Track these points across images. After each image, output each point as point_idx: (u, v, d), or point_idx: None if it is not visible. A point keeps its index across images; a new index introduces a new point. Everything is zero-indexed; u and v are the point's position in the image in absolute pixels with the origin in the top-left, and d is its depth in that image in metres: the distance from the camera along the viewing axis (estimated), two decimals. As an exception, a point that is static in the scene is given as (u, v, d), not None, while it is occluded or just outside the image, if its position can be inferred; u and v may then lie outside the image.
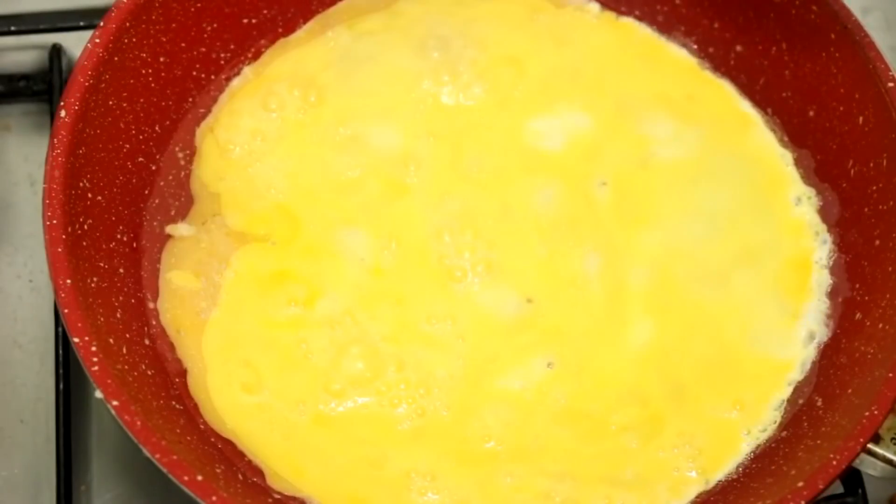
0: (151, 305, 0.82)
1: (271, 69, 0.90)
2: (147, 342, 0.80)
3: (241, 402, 0.79)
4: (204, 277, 0.82)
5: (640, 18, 0.94)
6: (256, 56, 0.91)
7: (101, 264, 0.78)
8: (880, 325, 0.79)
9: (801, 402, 0.81)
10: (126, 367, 0.74)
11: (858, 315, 0.82)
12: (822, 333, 0.83)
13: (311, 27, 0.92)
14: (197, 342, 0.81)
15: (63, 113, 0.77)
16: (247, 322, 0.81)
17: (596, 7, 0.94)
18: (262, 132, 0.88)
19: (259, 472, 0.78)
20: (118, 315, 0.78)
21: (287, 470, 0.78)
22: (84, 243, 0.76)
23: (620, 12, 0.94)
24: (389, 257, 0.84)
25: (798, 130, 0.89)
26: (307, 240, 0.84)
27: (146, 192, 0.85)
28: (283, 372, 0.80)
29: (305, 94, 0.89)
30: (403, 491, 0.77)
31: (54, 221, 0.74)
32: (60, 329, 0.87)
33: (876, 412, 0.73)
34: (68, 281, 0.72)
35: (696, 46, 0.93)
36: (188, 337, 0.81)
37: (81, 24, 0.96)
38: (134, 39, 0.82)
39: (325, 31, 0.92)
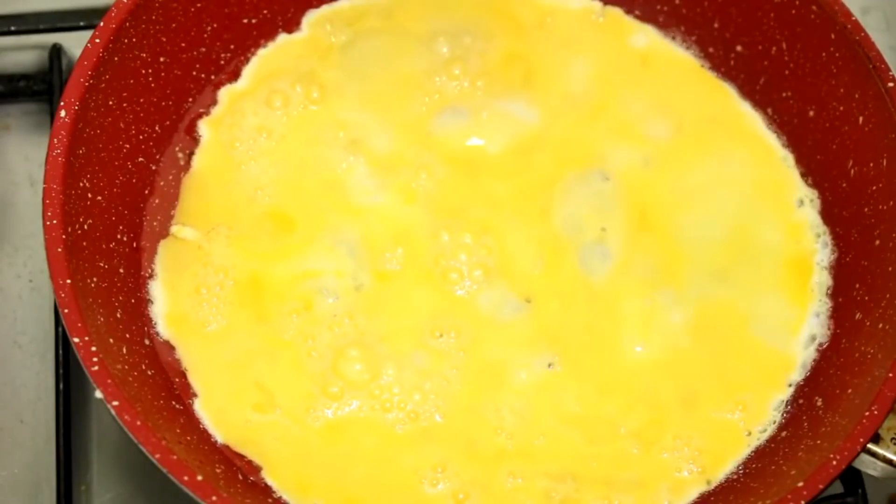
0: (151, 306, 0.82)
1: (272, 68, 0.90)
2: (147, 342, 0.80)
3: (249, 419, 0.79)
4: (204, 286, 0.82)
5: (640, 18, 0.94)
6: (255, 55, 0.91)
7: (101, 264, 0.78)
8: (880, 325, 0.79)
9: (801, 402, 0.81)
10: (126, 367, 0.74)
11: (858, 315, 0.82)
12: (823, 334, 0.83)
13: (312, 26, 0.92)
14: (200, 355, 0.81)
15: (63, 113, 0.77)
16: (251, 336, 0.81)
17: (599, 6, 0.94)
18: (267, 129, 0.88)
19: (258, 472, 0.78)
20: (118, 315, 0.78)
21: (294, 479, 0.78)
22: (84, 243, 0.76)
23: (623, 12, 0.94)
24: (389, 258, 0.84)
25: (798, 130, 0.89)
26: (305, 243, 0.84)
27: (146, 192, 0.85)
28: (289, 382, 0.80)
29: (308, 91, 0.89)
30: (416, 484, 0.77)
31: (54, 221, 0.74)
32: (60, 329, 0.87)
33: (876, 412, 0.73)
34: (68, 281, 0.72)
35: (696, 46, 0.93)
36: (190, 346, 0.81)
37: (81, 24, 0.96)
38: (134, 39, 0.82)
39: (325, 30, 0.92)
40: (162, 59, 0.85)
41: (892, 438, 0.78)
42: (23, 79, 0.98)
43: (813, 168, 0.89)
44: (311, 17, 0.92)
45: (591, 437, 0.80)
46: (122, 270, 0.81)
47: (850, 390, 0.78)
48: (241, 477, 0.77)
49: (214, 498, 0.68)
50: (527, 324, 0.83)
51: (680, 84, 0.92)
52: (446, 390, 0.80)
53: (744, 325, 0.84)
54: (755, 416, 0.81)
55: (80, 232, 0.76)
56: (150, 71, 0.84)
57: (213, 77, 0.90)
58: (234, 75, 0.90)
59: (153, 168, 0.86)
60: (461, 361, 0.81)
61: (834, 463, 0.72)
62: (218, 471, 0.75)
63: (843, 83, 0.85)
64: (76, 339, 0.71)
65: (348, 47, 0.91)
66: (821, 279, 0.85)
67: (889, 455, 0.77)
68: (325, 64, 0.90)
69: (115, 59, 0.80)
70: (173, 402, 0.78)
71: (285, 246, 0.84)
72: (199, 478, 0.68)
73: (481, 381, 0.81)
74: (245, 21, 0.90)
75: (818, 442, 0.76)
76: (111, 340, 0.74)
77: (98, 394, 0.70)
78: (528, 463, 0.79)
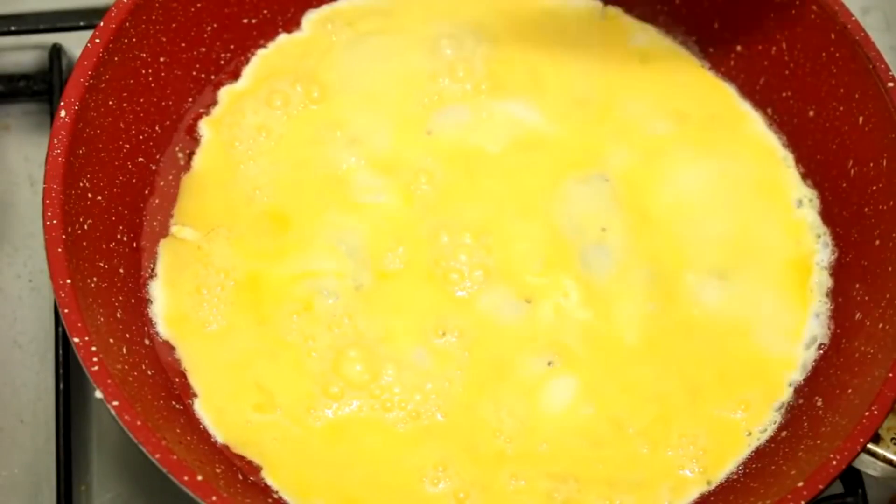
0: (151, 306, 0.82)
1: (273, 67, 0.90)
2: (147, 342, 0.80)
3: (250, 420, 0.79)
4: (204, 286, 0.82)
5: (641, 18, 0.94)
6: (255, 55, 0.91)
7: (101, 264, 0.78)
8: (880, 325, 0.79)
9: (801, 402, 0.81)
10: (126, 367, 0.74)
11: (858, 315, 0.82)
12: (823, 334, 0.84)
13: (312, 26, 0.92)
14: (200, 355, 0.81)
15: (63, 113, 0.77)
16: (252, 337, 0.81)
17: (599, 6, 0.94)
18: (267, 128, 0.88)
19: (258, 472, 0.78)
20: (118, 315, 0.78)
21: (294, 479, 0.78)
22: (84, 243, 0.76)
23: (623, 12, 0.94)
24: (389, 258, 0.84)
25: (798, 130, 0.89)
26: (305, 243, 0.84)
27: (146, 192, 0.85)
28: (290, 382, 0.80)
29: (308, 90, 0.89)
30: (417, 483, 0.78)
31: (54, 221, 0.74)
32: (60, 329, 0.87)
33: (876, 412, 0.73)
34: (68, 281, 0.72)
35: (696, 46, 0.93)
36: (190, 347, 0.81)
37: (81, 24, 0.96)
38: (134, 39, 0.82)
39: (326, 29, 0.92)
40: (162, 59, 0.85)
41: (892, 438, 0.78)
42: (23, 79, 0.98)
43: (813, 168, 0.89)
44: (311, 17, 0.92)
45: (594, 437, 0.80)
46: (122, 270, 0.81)
47: (850, 390, 0.78)
48: (241, 477, 0.77)
49: (214, 498, 0.68)
50: (527, 324, 0.83)
51: (680, 84, 0.92)
52: (447, 390, 0.80)
53: (744, 326, 0.84)
54: (756, 416, 0.81)
55: (80, 232, 0.76)
56: (150, 71, 0.84)
57: (213, 77, 0.90)
58: (234, 75, 0.90)
59: (153, 168, 0.86)
60: (461, 361, 0.81)
61: (834, 463, 0.72)
62: (218, 471, 0.75)
63: (843, 83, 0.85)
64: (76, 339, 0.71)
65: (350, 46, 0.91)
66: (821, 279, 0.85)
67: (889, 455, 0.77)
68: (326, 63, 0.90)
69: (115, 59, 0.80)
70: (173, 402, 0.78)
71: (285, 246, 0.84)
72: (199, 478, 0.68)
73: (481, 381, 0.81)
74: (245, 21, 0.90)
75: (818, 442, 0.76)
76: (111, 340, 0.74)
77: (98, 394, 0.70)
78: (530, 463, 0.78)
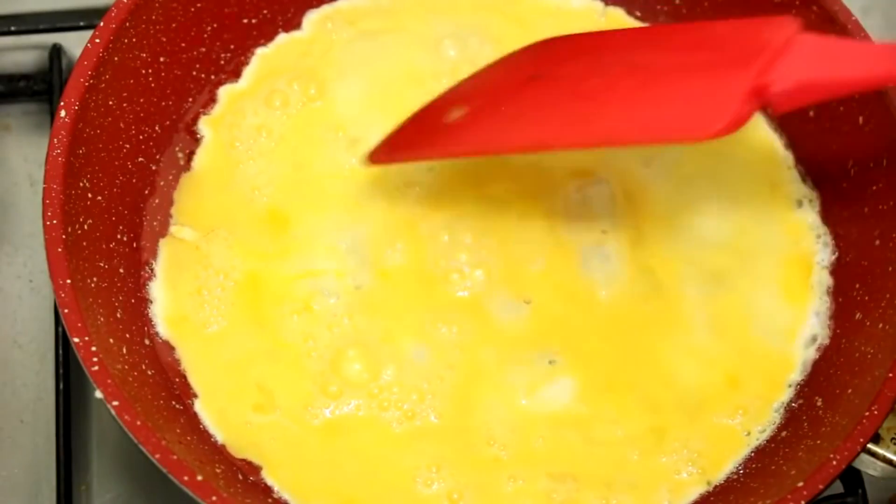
0: (151, 306, 0.82)
1: (273, 67, 0.90)
2: (147, 342, 0.80)
3: (249, 420, 0.79)
4: (205, 287, 0.82)
5: (641, 18, 0.94)
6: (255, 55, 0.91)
7: (101, 264, 0.78)
8: (880, 325, 0.79)
9: (801, 402, 0.81)
10: (126, 367, 0.74)
11: (858, 315, 0.82)
12: (823, 334, 0.84)
13: (312, 25, 0.92)
14: (200, 356, 0.81)
15: (63, 113, 0.77)
16: (251, 337, 0.81)
17: (600, 6, 0.94)
18: (267, 128, 0.88)
19: (258, 472, 0.78)
20: (118, 315, 0.78)
21: (294, 479, 0.78)
22: (84, 243, 0.76)
23: (624, 12, 0.94)
24: (388, 258, 0.84)
25: (798, 130, 0.89)
26: (305, 243, 0.84)
27: (146, 192, 0.85)
28: (289, 382, 0.80)
29: (305, 88, 0.89)
30: (411, 483, 0.78)
31: (54, 221, 0.74)
32: (60, 329, 0.87)
33: (876, 412, 0.73)
34: (68, 281, 0.72)
35: (696, 46, 0.93)
36: (190, 347, 0.81)
37: (81, 24, 0.96)
38: (134, 39, 0.82)
39: (327, 28, 0.92)
40: (162, 59, 0.85)
41: (892, 438, 0.78)
42: (23, 79, 0.98)
43: (813, 168, 0.89)
44: (311, 17, 0.92)
45: (592, 438, 0.80)
46: (122, 270, 0.81)
47: (850, 390, 0.78)
48: (241, 477, 0.77)
49: (214, 498, 0.68)
50: (527, 325, 0.83)
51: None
52: (444, 390, 0.80)
53: (744, 326, 0.84)
54: (755, 416, 0.81)
55: (80, 232, 0.76)
56: (150, 71, 0.84)
57: (213, 77, 0.90)
58: (234, 75, 0.90)
59: (153, 168, 0.86)
60: (460, 361, 0.81)
61: (834, 463, 0.72)
62: (218, 471, 0.75)
63: (843, 83, 0.85)
64: (76, 339, 0.71)
65: (350, 45, 0.91)
66: (821, 279, 0.85)
67: (889, 455, 0.77)
68: (326, 60, 0.90)
69: (115, 59, 0.80)
70: (173, 402, 0.78)
71: (285, 246, 0.84)
72: (199, 478, 0.68)
73: (480, 382, 0.81)
74: (245, 21, 0.90)
75: (818, 442, 0.76)
76: (111, 340, 0.75)
77: (98, 394, 0.70)
78: (527, 464, 0.78)
